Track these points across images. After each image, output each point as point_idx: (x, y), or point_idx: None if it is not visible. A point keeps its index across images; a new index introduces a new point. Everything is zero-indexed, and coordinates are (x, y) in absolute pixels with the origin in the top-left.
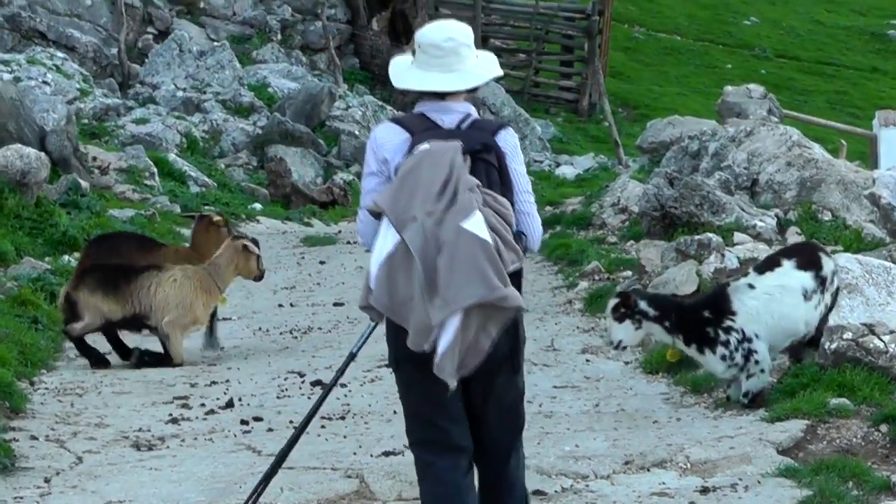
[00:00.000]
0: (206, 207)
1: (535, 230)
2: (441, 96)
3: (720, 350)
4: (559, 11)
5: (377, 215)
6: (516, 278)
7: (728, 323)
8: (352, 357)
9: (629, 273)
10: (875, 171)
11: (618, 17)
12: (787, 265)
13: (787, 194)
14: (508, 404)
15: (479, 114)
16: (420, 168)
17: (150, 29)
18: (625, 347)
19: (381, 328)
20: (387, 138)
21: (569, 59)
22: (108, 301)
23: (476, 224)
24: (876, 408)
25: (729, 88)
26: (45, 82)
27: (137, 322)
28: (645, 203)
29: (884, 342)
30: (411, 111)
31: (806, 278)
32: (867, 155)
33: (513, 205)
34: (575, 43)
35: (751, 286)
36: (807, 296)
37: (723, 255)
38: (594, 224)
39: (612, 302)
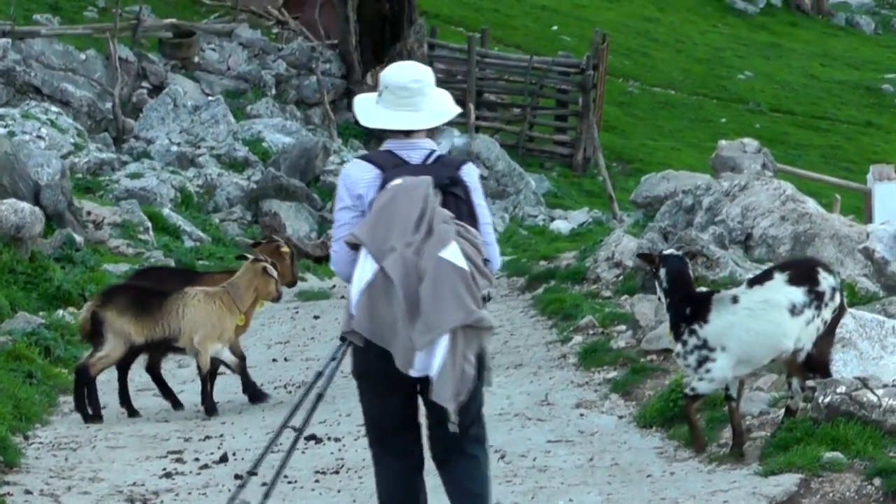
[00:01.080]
0: (200, 262)
1: (496, 257)
2: (407, 133)
3: (678, 346)
4: (553, 66)
5: (354, 247)
6: (483, 301)
7: (695, 326)
8: (319, 376)
9: (623, 327)
10: (869, 226)
11: (612, 71)
12: (779, 279)
13: (782, 248)
14: (467, 419)
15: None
16: (395, 202)
17: (144, 83)
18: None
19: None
20: (359, 175)
21: (563, 113)
22: (137, 324)
23: (453, 253)
24: (869, 461)
25: (723, 143)
26: (39, 137)
27: (164, 346)
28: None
29: (877, 396)
30: (377, 148)
31: (796, 293)
32: (861, 209)
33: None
34: (569, 97)
35: (734, 299)
36: (794, 311)
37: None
38: (588, 278)
39: (639, 251)
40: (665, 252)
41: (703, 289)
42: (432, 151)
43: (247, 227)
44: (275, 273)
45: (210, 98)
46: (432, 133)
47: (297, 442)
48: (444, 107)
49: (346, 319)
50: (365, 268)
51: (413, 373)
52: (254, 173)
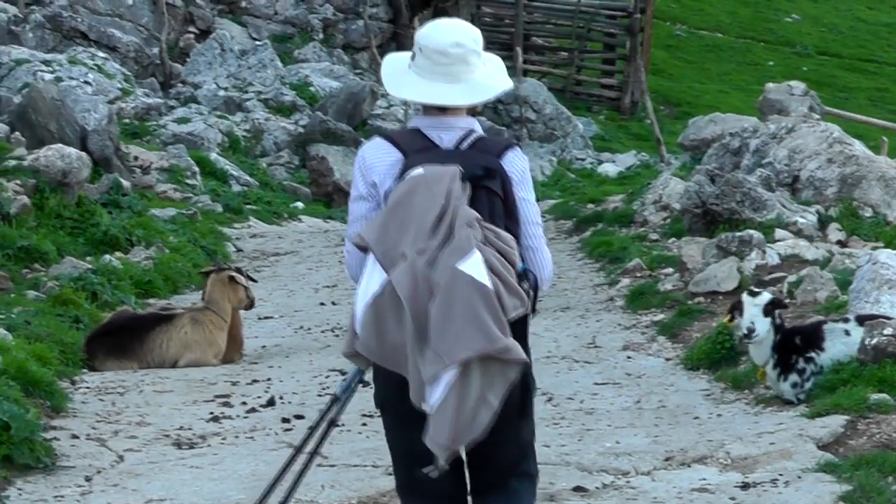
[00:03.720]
0: (248, 207)
1: (544, 268)
2: (442, 109)
3: (793, 377)
4: (601, 9)
5: (364, 249)
6: (521, 326)
7: (812, 354)
8: (335, 400)
9: (671, 270)
10: None
11: (659, 14)
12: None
13: (828, 191)
14: (509, 460)
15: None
16: (412, 198)
17: (191, 28)
18: (753, 339)
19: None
20: (376, 159)
21: (611, 56)
22: (124, 363)
23: (474, 266)
24: None
25: (770, 86)
26: (86, 82)
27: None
28: (686, 200)
29: None
30: (406, 126)
31: None
32: None
33: (518, 238)
34: (617, 41)
35: (846, 332)
36: None
37: (764, 252)
38: (636, 221)
39: (768, 297)
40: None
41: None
42: (469, 132)
43: (294, 171)
44: (242, 279)
45: (257, 42)
46: (474, 109)
47: (309, 466)
48: (489, 80)
49: (348, 338)
50: (372, 277)
51: (427, 408)
52: (301, 118)
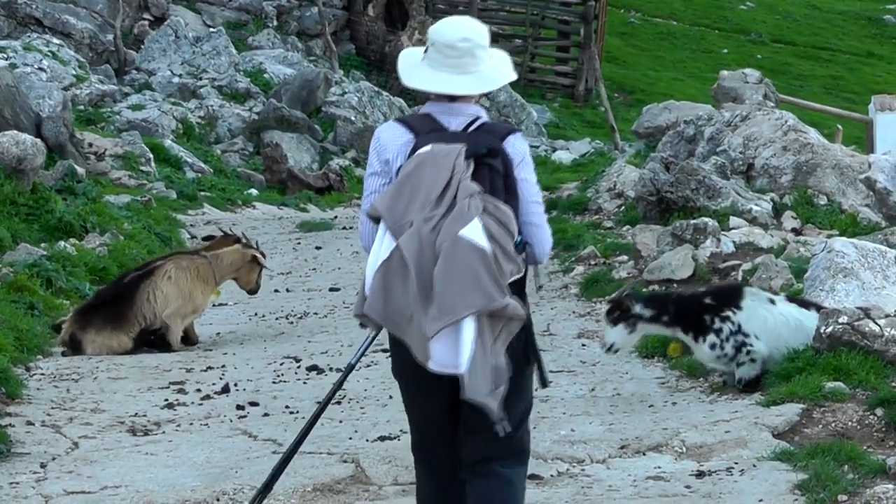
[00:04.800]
0: (202, 194)
1: (543, 242)
2: (451, 98)
3: (711, 338)
4: None
5: (376, 219)
6: (519, 289)
7: (727, 313)
8: (351, 368)
9: (625, 258)
10: (871, 156)
11: (614, 2)
12: (813, 313)
13: (783, 179)
14: (516, 419)
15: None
16: (421, 171)
17: (146, 15)
18: (617, 350)
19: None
20: (390, 139)
21: (565, 44)
22: (118, 334)
23: (474, 231)
24: (871, 392)
25: (725, 73)
26: (40, 69)
27: (147, 337)
28: (641, 188)
29: (879, 326)
30: (417, 110)
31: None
32: (863, 139)
33: (519, 215)
34: (571, 28)
35: (771, 301)
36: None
37: (718, 240)
38: (590, 209)
39: (607, 305)
40: (626, 293)
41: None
42: (477, 118)
43: (248, 158)
44: (265, 264)
45: (211, 29)
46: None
47: (295, 448)
48: (495, 72)
49: (358, 299)
50: (383, 244)
51: (433, 367)
52: (255, 104)
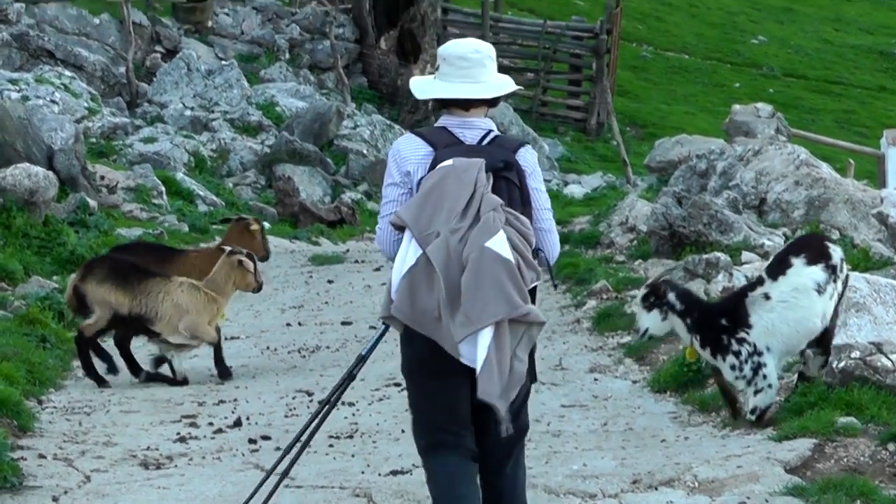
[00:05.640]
0: (214, 227)
1: (553, 246)
2: (465, 109)
3: (731, 359)
4: (567, 30)
5: (399, 228)
6: (531, 294)
7: (742, 335)
8: (363, 360)
9: (637, 292)
10: (883, 190)
11: (626, 35)
12: (798, 263)
13: (795, 213)
14: (514, 410)
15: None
16: (444, 184)
17: (158, 48)
18: (651, 337)
19: (391, 334)
20: (410, 151)
21: (577, 77)
22: (117, 292)
23: (499, 243)
24: (883, 426)
25: (737, 107)
26: (53, 101)
27: (141, 324)
28: (653, 222)
29: (891, 361)
30: (432, 125)
31: (817, 272)
32: (875, 174)
33: (532, 222)
34: (583, 62)
35: (766, 296)
36: (820, 290)
37: (731, 274)
38: (602, 243)
39: (643, 290)
40: (664, 279)
41: (726, 285)
42: (489, 131)
43: (260, 191)
44: (251, 265)
45: (224, 62)
46: (490, 110)
47: (325, 415)
48: (504, 81)
49: (385, 302)
50: (409, 251)
51: (464, 360)
52: (267, 137)
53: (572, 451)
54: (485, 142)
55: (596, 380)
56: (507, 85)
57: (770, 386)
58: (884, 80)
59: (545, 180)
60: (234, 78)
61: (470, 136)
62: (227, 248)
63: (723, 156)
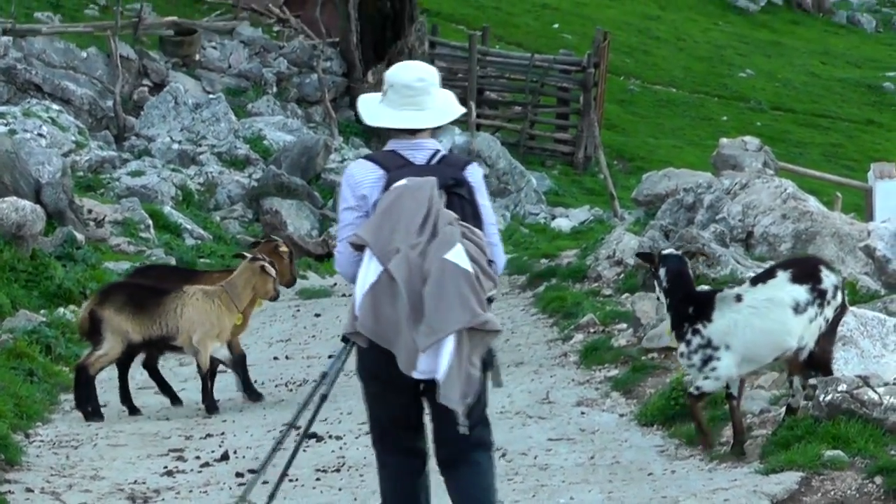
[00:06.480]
0: (202, 261)
1: (501, 258)
2: (412, 133)
3: (682, 347)
4: (555, 64)
5: (359, 248)
6: (488, 303)
7: (699, 326)
8: (324, 375)
9: (624, 325)
10: (870, 224)
11: (613, 69)
12: (782, 277)
13: (783, 246)
14: (476, 416)
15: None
16: (400, 202)
17: (145, 81)
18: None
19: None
20: (363, 176)
21: (564, 111)
22: (135, 321)
23: (458, 255)
24: (870, 460)
25: (724, 141)
26: (40, 135)
27: (162, 344)
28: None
29: (878, 394)
30: (381, 148)
31: (799, 291)
32: (862, 207)
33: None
34: (570, 95)
35: (738, 298)
36: (798, 309)
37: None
38: (589, 277)
39: (637, 256)
40: (665, 252)
41: (706, 287)
42: (436, 151)
43: (248, 224)
44: (273, 272)
45: (211, 96)
46: (435, 132)
47: (301, 442)
48: (448, 106)
49: (349, 320)
50: (369, 269)
51: (416, 374)
52: (255, 171)
53: (559, 485)
54: (433, 161)
55: (583, 413)
56: (451, 110)
57: (718, 378)
58: (871, 113)
59: (532, 213)
60: (221, 111)
61: (419, 157)
62: (248, 256)
63: (710, 189)
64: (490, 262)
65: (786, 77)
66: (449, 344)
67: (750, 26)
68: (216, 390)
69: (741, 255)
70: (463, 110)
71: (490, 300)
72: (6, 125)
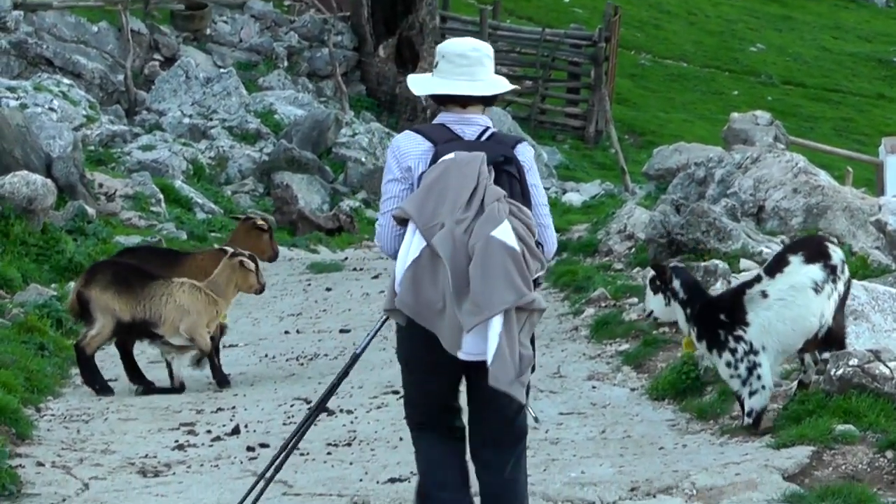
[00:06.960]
0: (213, 234)
1: (552, 241)
2: (463, 106)
3: (727, 356)
4: (566, 38)
5: (402, 221)
6: (535, 285)
7: (739, 332)
8: (356, 357)
9: (635, 300)
10: (881, 198)
11: (624, 43)
12: (795, 261)
13: (794, 221)
14: (513, 409)
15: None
16: (447, 177)
17: (156, 55)
18: (656, 319)
19: (386, 329)
20: (410, 147)
21: (575, 85)
22: (120, 300)
23: (505, 233)
24: (882, 434)
25: (735, 115)
26: (51, 109)
27: (145, 329)
28: (651, 230)
29: (889, 368)
30: (431, 122)
31: (815, 271)
32: (873, 181)
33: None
34: (581, 70)
35: (764, 294)
36: (818, 289)
37: (729, 282)
38: (600, 251)
39: (650, 273)
40: (673, 265)
41: (715, 290)
42: (487, 128)
43: (259, 199)
44: (252, 265)
45: (222, 70)
46: (486, 110)
47: (314, 417)
48: (499, 79)
49: (388, 295)
50: (412, 244)
51: (462, 355)
52: (266, 145)
53: (570, 459)
54: (483, 138)
55: (594, 387)
56: (503, 84)
57: (764, 387)
58: (882, 87)
59: (543, 187)
60: (232, 86)
61: (469, 133)
62: (229, 250)
63: (721, 164)
64: (538, 243)
65: (797, 51)
66: (496, 324)
67: (761, 0)
68: (228, 364)
69: (752, 229)
70: (511, 87)
71: (537, 283)
72: (17, 99)
